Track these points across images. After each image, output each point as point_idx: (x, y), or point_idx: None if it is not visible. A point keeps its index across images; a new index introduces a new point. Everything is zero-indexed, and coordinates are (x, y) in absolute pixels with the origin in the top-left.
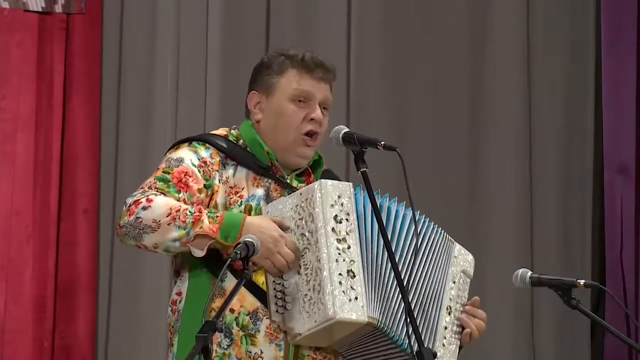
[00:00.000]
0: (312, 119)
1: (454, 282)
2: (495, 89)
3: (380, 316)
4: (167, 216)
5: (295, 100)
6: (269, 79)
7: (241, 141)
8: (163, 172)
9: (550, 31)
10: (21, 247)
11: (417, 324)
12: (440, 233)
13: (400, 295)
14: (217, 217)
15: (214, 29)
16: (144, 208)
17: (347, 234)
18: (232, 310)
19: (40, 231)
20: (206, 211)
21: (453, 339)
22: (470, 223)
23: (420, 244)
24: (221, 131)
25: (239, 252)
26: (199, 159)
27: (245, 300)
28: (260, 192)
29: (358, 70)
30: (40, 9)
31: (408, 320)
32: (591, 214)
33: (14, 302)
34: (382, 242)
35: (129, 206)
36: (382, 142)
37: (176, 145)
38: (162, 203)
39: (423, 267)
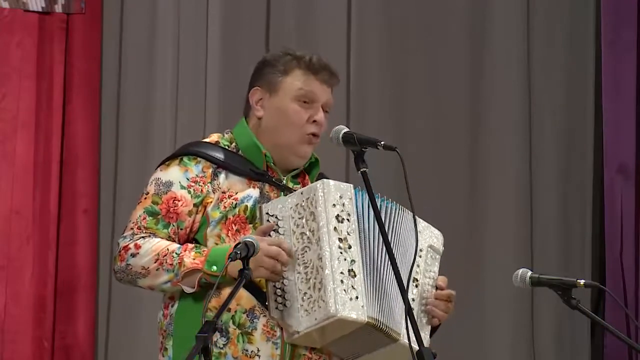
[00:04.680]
0: (314, 121)
1: (420, 256)
2: (496, 88)
3: (380, 316)
4: (155, 262)
5: (300, 100)
6: (274, 77)
7: (233, 144)
8: (152, 202)
9: (550, 30)
10: (21, 247)
11: (391, 303)
12: (403, 212)
13: (397, 295)
14: (203, 251)
15: (214, 29)
16: (133, 255)
17: (348, 234)
18: (228, 309)
19: (40, 231)
20: (193, 247)
21: (422, 311)
22: (470, 223)
23: (385, 223)
24: (213, 137)
25: (239, 252)
26: (188, 179)
27: (241, 299)
28: (255, 192)
29: (358, 70)
30: (40, 9)
31: (409, 320)
32: (591, 214)
33: (14, 302)
34: (381, 242)
35: (120, 251)
36: (382, 142)
37: (167, 161)
38: (149, 249)
39: (390, 247)
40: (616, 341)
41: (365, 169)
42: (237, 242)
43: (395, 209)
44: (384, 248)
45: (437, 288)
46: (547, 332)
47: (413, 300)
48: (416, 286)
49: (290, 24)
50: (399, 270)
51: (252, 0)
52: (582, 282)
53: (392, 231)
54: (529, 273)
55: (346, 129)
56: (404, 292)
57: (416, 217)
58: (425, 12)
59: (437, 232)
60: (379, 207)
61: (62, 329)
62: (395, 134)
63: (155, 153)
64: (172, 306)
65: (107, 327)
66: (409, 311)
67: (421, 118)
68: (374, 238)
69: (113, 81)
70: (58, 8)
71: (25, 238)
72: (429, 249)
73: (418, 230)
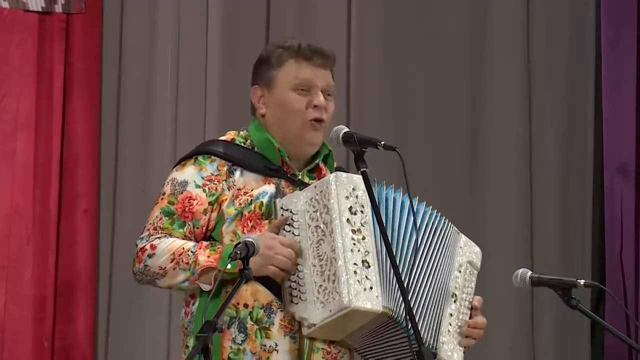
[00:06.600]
0: (315, 106)
1: (460, 271)
2: (496, 88)
3: (394, 306)
4: (171, 262)
5: (297, 89)
6: (269, 72)
7: (249, 141)
8: (168, 202)
9: (550, 31)
10: (21, 247)
11: (426, 312)
12: (447, 224)
13: (413, 286)
14: (217, 248)
15: (214, 29)
16: (150, 256)
17: (362, 225)
18: (246, 305)
19: (40, 231)
20: (208, 245)
21: (458, 327)
22: (470, 223)
23: (428, 234)
24: (229, 135)
25: (239, 252)
26: (203, 178)
27: (258, 294)
28: (271, 188)
29: (358, 69)
30: (40, 9)
31: (408, 320)
32: (591, 214)
33: (14, 302)
34: (396, 233)
35: (137, 253)
36: (382, 142)
37: (183, 161)
38: (165, 249)
39: (430, 256)
40: (616, 341)
41: (365, 169)
42: (237, 242)
43: (443, 223)
44: (399, 239)
45: (472, 308)
46: (547, 332)
47: (451, 315)
48: (454, 301)
49: (290, 23)
50: (397, 265)
51: (252, 0)
52: (582, 282)
53: (433, 246)
54: (529, 273)
55: (346, 129)
56: (404, 292)
57: (458, 231)
58: (426, 12)
59: (477, 249)
60: (431, 222)
61: (62, 329)
62: (395, 134)
63: (155, 153)
64: (193, 304)
65: (107, 327)
66: (409, 311)
67: (421, 118)
68: (390, 229)
69: (113, 81)
70: (58, 8)
71: (25, 238)
72: (468, 264)
73: (459, 245)
